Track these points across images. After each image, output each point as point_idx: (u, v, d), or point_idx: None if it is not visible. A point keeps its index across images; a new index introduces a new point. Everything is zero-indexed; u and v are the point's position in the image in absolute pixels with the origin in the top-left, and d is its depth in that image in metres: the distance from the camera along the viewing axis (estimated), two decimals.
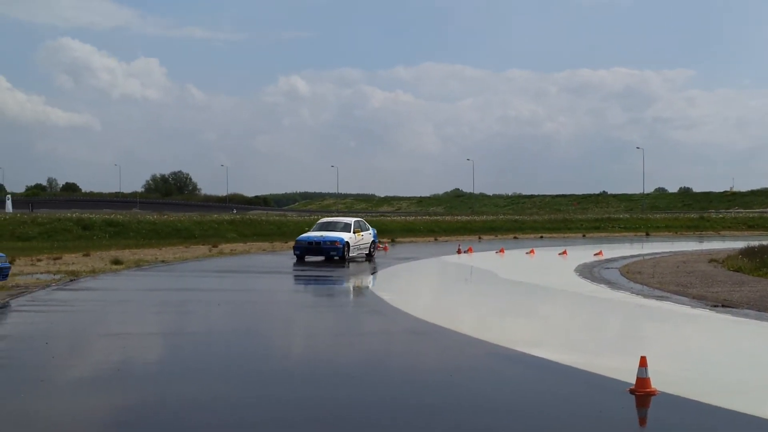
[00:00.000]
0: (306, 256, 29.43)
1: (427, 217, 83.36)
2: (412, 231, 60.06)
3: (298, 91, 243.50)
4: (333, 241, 29.31)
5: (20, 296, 16.52)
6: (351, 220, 32.31)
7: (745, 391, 8.53)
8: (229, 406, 7.80)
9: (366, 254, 31.51)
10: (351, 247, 29.86)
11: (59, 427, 6.84)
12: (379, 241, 44.63)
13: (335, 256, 29.17)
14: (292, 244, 42.71)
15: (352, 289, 20.34)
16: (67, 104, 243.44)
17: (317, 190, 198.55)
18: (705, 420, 7.56)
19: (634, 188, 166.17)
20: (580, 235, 63.32)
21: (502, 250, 37.23)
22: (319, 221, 33.17)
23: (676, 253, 35.44)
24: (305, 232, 32.95)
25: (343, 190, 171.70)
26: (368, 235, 31.91)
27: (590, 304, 17.63)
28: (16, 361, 10.01)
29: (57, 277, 21.02)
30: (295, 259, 29.56)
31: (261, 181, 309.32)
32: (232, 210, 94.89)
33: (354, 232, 30.43)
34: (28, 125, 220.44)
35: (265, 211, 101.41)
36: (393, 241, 48.69)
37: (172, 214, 66.50)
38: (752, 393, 8.45)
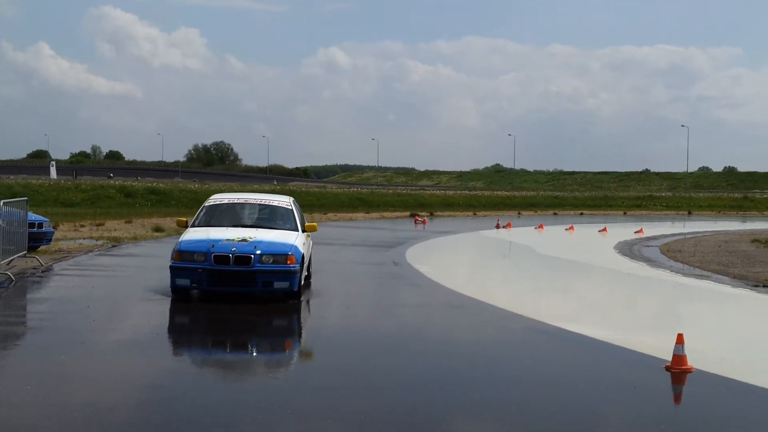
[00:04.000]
0: (198, 290, 12.02)
1: (466, 191, 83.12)
2: (451, 205, 59.90)
3: (338, 63, 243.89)
4: (274, 255, 11.83)
5: (63, 260, 16.80)
6: (286, 200, 14.37)
7: None
8: (282, 373, 7.86)
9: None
10: (304, 266, 13.00)
11: (98, 387, 6.97)
12: (418, 215, 44.66)
13: (280, 288, 11.90)
14: (331, 216, 42.86)
15: (390, 262, 20.33)
16: (109, 73, 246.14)
17: (357, 163, 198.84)
18: (741, 398, 7.49)
19: (677, 167, 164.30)
20: (620, 212, 62.68)
21: (541, 226, 37.00)
22: (218, 202, 14.13)
23: (718, 233, 34.97)
24: (192, 230, 12.98)
25: (383, 164, 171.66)
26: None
27: (629, 282, 17.50)
28: (59, 323, 10.21)
29: (99, 242, 21.33)
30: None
31: (301, 153, 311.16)
32: (273, 181, 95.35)
33: (303, 230, 13.38)
34: (71, 93, 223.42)
35: (305, 183, 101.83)
36: (432, 215, 48.61)
37: (213, 183, 67.14)
38: None
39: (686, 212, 65.73)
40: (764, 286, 16.14)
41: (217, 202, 13.87)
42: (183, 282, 11.58)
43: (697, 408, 7.28)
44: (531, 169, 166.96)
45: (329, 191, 64.93)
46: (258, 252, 11.52)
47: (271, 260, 11.54)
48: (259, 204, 14.02)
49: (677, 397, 7.70)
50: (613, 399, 7.40)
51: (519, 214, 55.20)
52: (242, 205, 14.04)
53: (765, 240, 27.85)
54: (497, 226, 36.03)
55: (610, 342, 9.73)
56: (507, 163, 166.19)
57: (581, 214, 58.43)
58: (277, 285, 11.65)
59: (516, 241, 29.09)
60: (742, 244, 27.33)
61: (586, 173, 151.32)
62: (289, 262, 11.65)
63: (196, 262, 11.43)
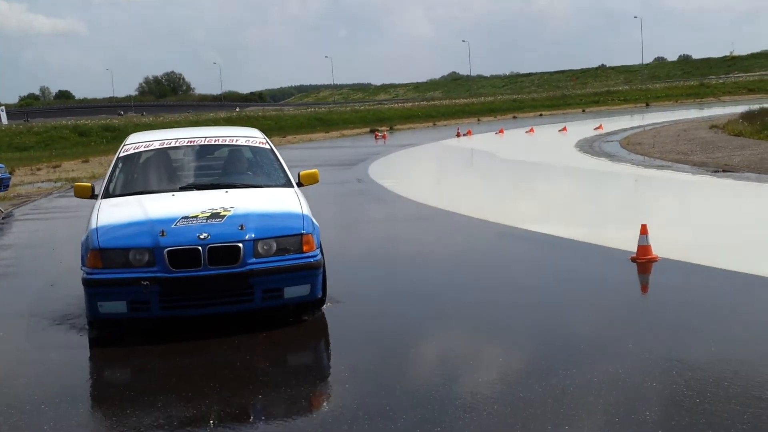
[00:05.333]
0: (143, 317, 6.54)
1: (425, 102, 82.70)
2: (410, 117, 59.65)
3: None
4: (276, 237, 6.49)
5: (23, 205, 16.57)
6: (255, 134, 8.79)
7: (745, 252, 8.60)
8: None
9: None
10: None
11: (71, 324, 6.94)
12: (378, 130, 44.42)
13: (295, 296, 6.55)
14: (291, 139, 42.48)
15: (354, 179, 20.27)
16: (49, 10, 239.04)
17: (312, 83, 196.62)
18: (706, 281, 7.66)
19: (632, 59, 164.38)
20: (579, 110, 62.86)
21: (501, 131, 37.04)
22: (144, 147, 8.19)
23: (676, 122, 35.28)
24: (109, 203, 7.26)
25: (338, 81, 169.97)
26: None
27: (591, 179, 17.66)
28: (26, 268, 10.11)
29: (58, 184, 21.04)
30: None
31: (254, 78, 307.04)
32: (235, 108, 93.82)
33: (299, 183, 7.91)
34: (13, 35, 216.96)
35: (261, 107, 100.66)
36: (392, 129, 48.41)
37: (168, 115, 66.09)
38: (752, 253, 8.53)
39: (644, 104, 66.14)
40: (724, 171, 16.36)
41: (143, 149, 8.11)
42: (113, 307, 6.28)
43: (663, 294, 7.44)
44: (488, 74, 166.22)
45: (286, 114, 64.29)
46: (248, 235, 6.34)
47: (273, 248, 6.39)
48: (216, 145, 8.56)
49: (644, 287, 7.86)
50: (583, 293, 7.54)
51: (479, 120, 55.19)
52: (188, 149, 8.36)
53: (723, 125, 28.14)
54: (458, 135, 36.02)
55: (577, 239, 9.86)
56: (463, 71, 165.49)
57: (540, 115, 58.55)
58: (291, 292, 6.44)
59: (477, 148, 29.13)
60: (701, 132, 27.60)
61: (543, 74, 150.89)
62: (306, 248, 6.48)
63: (134, 268, 6.20)
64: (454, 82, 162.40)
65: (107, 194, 7.51)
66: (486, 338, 6.24)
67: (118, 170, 7.88)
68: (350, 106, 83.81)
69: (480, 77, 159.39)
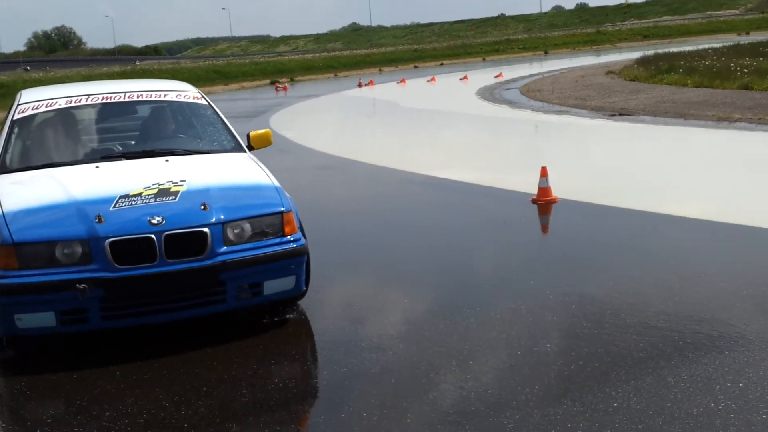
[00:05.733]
0: (78, 332, 4.92)
1: (325, 53, 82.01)
2: (311, 69, 59.13)
3: None
4: (250, 218, 5.10)
5: None
6: (186, 88, 7.23)
7: (640, 191, 8.87)
8: None
9: None
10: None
11: None
12: (278, 82, 43.88)
13: (277, 293, 5.17)
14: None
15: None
16: None
17: (210, 35, 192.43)
18: (603, 220, 7.89)
19: (531, 8, 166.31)
20: (480, 59, 63.34)
21: (403, 80, 37.05)
22: (46, 107, 6.44)
23: (574, 69, 35.91)
24: (9, 180, 5.62)
25: (237, 33, 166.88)
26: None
27: (492, 125, 17.85)
28: None
29: None
30: None
31: (149, 30, 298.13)
32: (135, 62, 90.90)
33: (250, 147, 6.78)
34: None
35: (157, 61, 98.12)
36: (292, 80, 47.90)
37: (59, 71, 63.74)
38: (646, 192, 8.79)
39: (543, 52, 67.10)
40: (620, 114, 16.77)
41: (45, 108, 6.44)
42: (37, 320, 4.76)
43: (562, 233, 7.64)
44: (388, 24, 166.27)
45: (183, 67, 62.82)
46: (215, 217, 4.95)
47: (247, 232, 5.03)
48: (140, 101, 6.83)
49: (544, 227, 8.03)
50: (485, 234, 7.66)
51: (380, 71, 55.07)
52: (105, 107, 6.83)
53: (619, 71, 28.80)
54: (359, 85, 35.89)
55: (479, 184, 9.99)
56: (364, 21, 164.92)
57: (441, 64, 58.80)
58: (272, 287, 5.10)
59: (379, 97, 29.10)
60: (598, 77, 28.18)
61: (443, 23, 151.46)
62: (287, 230, 5.16)
63: (63, 267, 4.73)
64: (354, 33, 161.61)
65: (4, 168, 5.82)
66: (391, 281, 6.28)
67: (14, 137, 6.14)
68: (249, 58, 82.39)
69: (381, 28, 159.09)
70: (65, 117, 6.45)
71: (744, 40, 43.27)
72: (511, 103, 21.77)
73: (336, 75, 53.31)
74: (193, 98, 6.93)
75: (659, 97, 19.17)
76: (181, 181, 5.27)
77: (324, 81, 46.93)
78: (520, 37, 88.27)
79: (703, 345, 4.46)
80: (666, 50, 35.20)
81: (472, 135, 16.55)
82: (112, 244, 4.68)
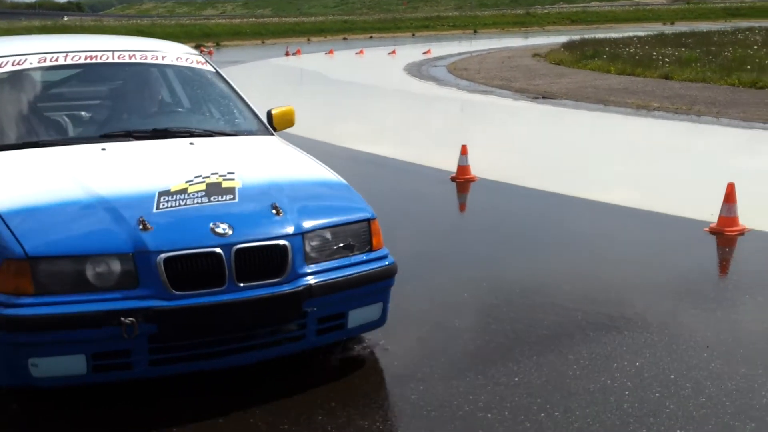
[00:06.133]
0: (117, 381, 3.59)
1: (253, 19, 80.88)
2: (238, 34, 58.16)
3: None
4: (332, 227, 3.84)
5: None
6: (187, 51, 5.56)
7: (558, 173, 9.07)
8: None
9: None
10: None
11: None
12: (204, 45, 43.17)
13: (362, 324, 4.00)
14: None
15: None
16: None
17: None
18: (519, 200, 8.06)
19: None
20: (409, 34, 63.39)
21: (331, 52, 36.84)
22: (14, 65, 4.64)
23: (501, 50, 36.22)
24: None
25: None
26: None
27: (418, 102, 17.94)
28: None
29: None
30: None
31: None
32: (63, 17, 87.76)
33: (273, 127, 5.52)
34: None
35: (79, 17, 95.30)
36: (218, 45, 47.19)
37: None
38: (564, 175, 9.00)
39: (472, 31, 67.45)
40: (543, 97, 17.06)
41: (10, 67, 4.67)
42: (61, 366, 3.33)
43: (479, 211, 7.79)
44: None
45: (106, 25, 61.21)
46: (291, 225, 3.68)
47: (330, 245, 3.81)
48: (132, 63, 5.14)
49: (461, 205, 8.16)
50: (402, 210, 7.71)
51: (309, 40, 54.61)
52: (90, 68, 5.12)
53: (545, 54, 29.20)
54: (287, 54, 35.56)
55: (401, 159, 10.07)
56: None
57: (371, 37, 58.63)
58: (357, 319, 3.91)
59: (306, 67, 28.90)
60: (524, 59, 28.53)
61: None
62: (375, 244, 4.01)
63: (97, 294, 3.32)
64: (284, 0, 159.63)
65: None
66: None
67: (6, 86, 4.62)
68: (175, 20, 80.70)
69: None
70: (39, 79, 4.95)
71: (668, 29, 44.28)
72: (438, 81, 21.90)
73: (263, 42, 52.65)
74: (197, 62, 5.45)
75: (582, 82, 19.55)
76: (229, 173, 3.94)
77: (251, 47, 46.33)
78: (450, 14, 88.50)
79: (605, 325, 4.62)
80: (592, 36, 35.83)
81: (397, 111, 16.62)
82: (167, 261, 3.37)
